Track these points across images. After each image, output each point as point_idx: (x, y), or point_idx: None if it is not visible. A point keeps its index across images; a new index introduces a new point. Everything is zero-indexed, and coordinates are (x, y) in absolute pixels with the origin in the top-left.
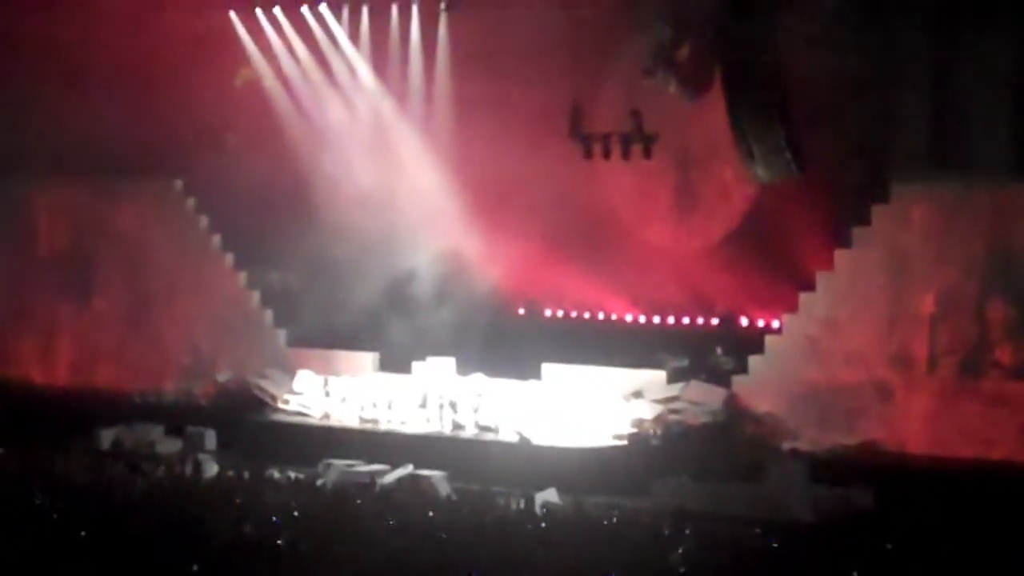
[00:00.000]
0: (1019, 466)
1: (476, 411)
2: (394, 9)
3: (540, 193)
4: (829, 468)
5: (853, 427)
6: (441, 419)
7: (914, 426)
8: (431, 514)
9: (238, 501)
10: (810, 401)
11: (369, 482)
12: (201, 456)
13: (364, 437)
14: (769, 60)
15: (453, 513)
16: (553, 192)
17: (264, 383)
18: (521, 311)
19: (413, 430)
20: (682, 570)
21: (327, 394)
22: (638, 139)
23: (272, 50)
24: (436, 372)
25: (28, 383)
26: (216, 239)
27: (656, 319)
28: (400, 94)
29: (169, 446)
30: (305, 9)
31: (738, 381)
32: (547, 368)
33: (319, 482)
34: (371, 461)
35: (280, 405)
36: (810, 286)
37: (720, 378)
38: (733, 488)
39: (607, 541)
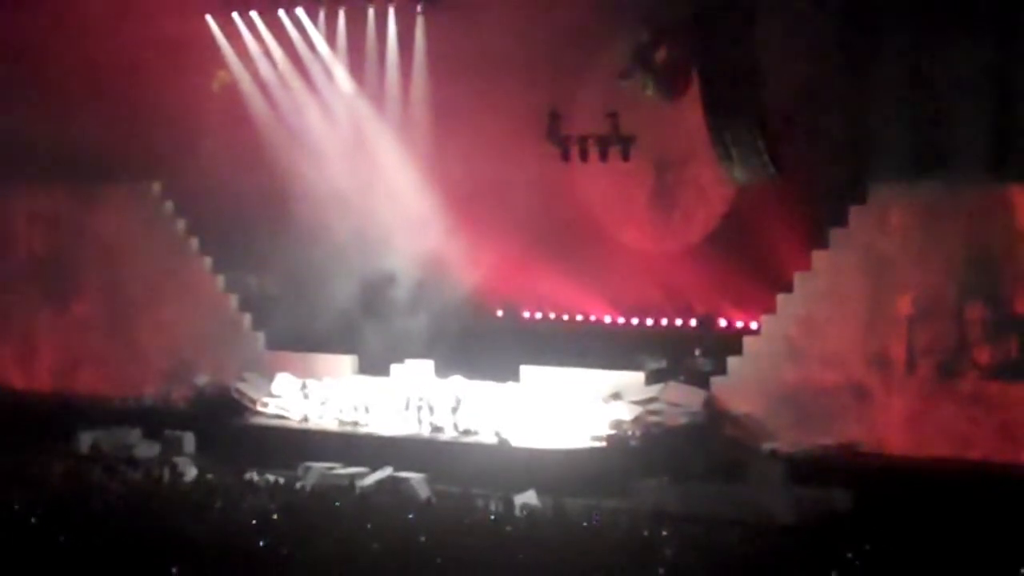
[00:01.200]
0: (997, 466)
1: (455, 413)
2: (371, 12)
3: (518, 195)
4: (808, 469)
5: (832, 428)
6: (420, 421)
7: (893, 427)
8: (411, 516)
9: (217, 504)
10: (789, 402)
11: (348, 485)
12: (180, 460)
13: (343, 440)
14: (746, 62)
15: (433, 515)
16: (531, 194)
17: (243, 386)
18: (499, 313)
19: (392, 433)
20: (661, 571)
21: (306, 397)
22: (616, 141)
23: (249, 54)
24: (414, 375)
25: (8, 387)
26: (194, 242)
27: (634, 321)
28: (377, 97)
29: (147, 450)
30: (282, 12)
31: (717, 382)
32: (526, 370)
33: (298, 485)
34: (350, 464)
35: (259, 408)
36: (788, 287)
37: (699, 379)
38: (712, 489)
39: (587, 542)
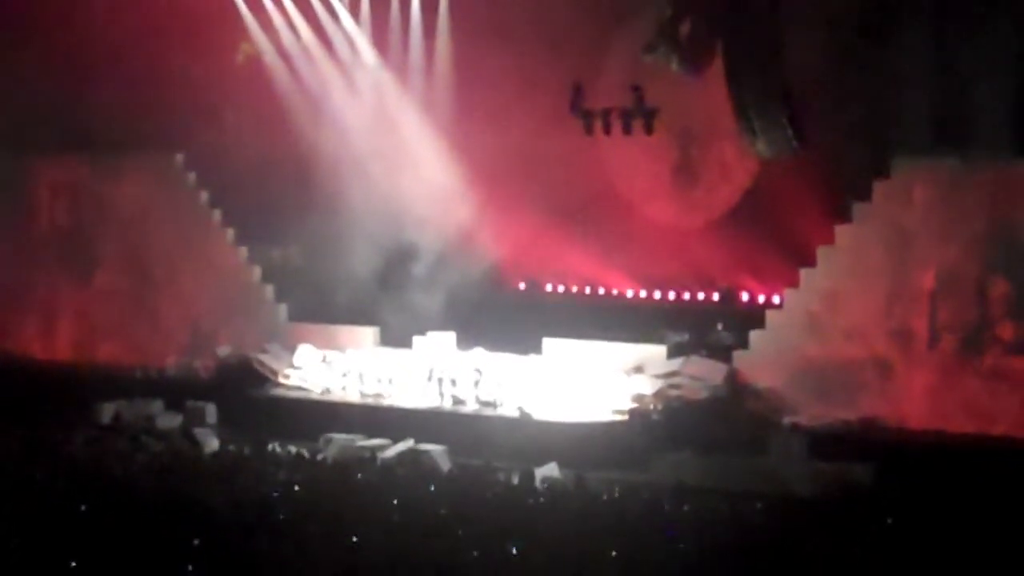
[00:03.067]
0: (1019, 441)
1: (477, 386)
2: None
3: (541, 168)
4: (829, 443)
5: (854, 402)
6: (441, 394)
7: (915, 401)
8: (432, 489)
9: (238, 476)
10: (811, 376)
11: (370, 457)
12: (201, 431)
13: (365, 412)
14: (771, 36)
15: (454, 488)
16: (554, 167)
17: (265, 358)
18: (522, 286)
19: (414, 405)
20: (682, 544)
21: (328, 369)
22: (639, 115)
23: (273, 25)
24: (437, 347)
25: (30, 358)
26: (217, 214)
27: (657, 294)
28: (400, 69)
29: (169, 421)
30: None
31: (739, 356)
32: (548, 343)
33: (320, 457)
34: (372, 436)
35: (281, 380)
36: (811, 261)
37: (721, 353)
38: (733, 463)
39: (607, 516)
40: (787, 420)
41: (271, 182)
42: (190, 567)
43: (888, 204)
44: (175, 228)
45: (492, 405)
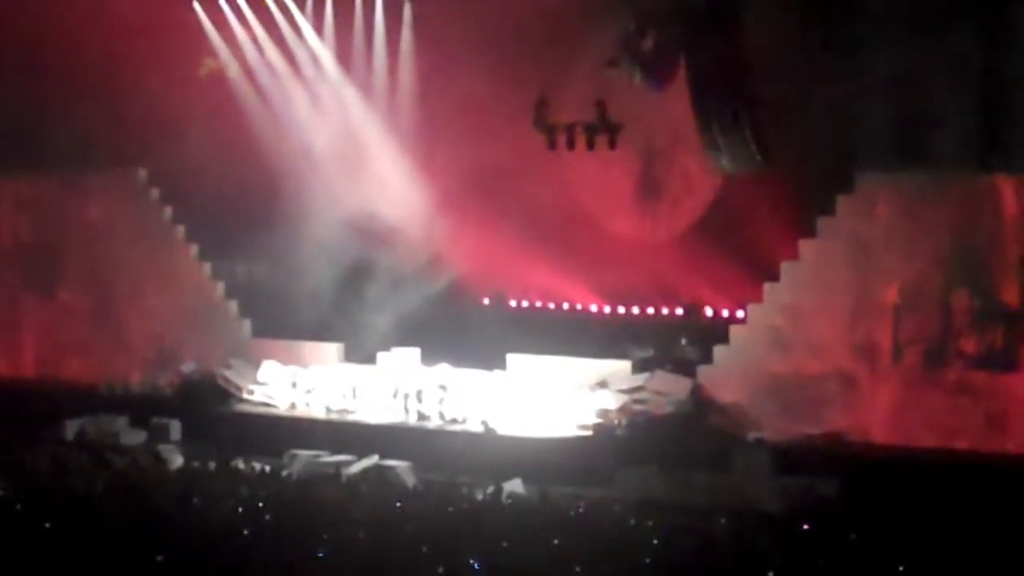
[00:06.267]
0: (983, 455)
1: (441, 401)
2: None
3: (505, 183)
4: (794, 458)
5: (818, 417)
6: (406, 409)
7: (879, 416)
8: (397, 504)
9: (203, 492)
10: (775, 391)
11: (335, 473)
12: (166, 447)
13: (329, 428)
14: (734, 50)
15: (419, 503)
16: (518, 182)
17: (229, 374)
18: (486, 301)
19: (379, 420)
20: (647, 560)
21: (292, 384)
22: (603, 129)
23: (236, 40)
24: (401, 362)
25: None
26: (180, 230)
27: (621, 309)
28: (364, 84)
29: (133, 437)
30: None
31: (703, 371)
32: (512, 358)
33: (284, 473)
34: (337, 452)
35: (245, 396)
36: (775, 276)
37: (685, 368)
38: (698, 478)
39: (572, 531)
40: (752, 435)
41: (235, 198)
42: None
43: (852, 219)
44: (139, 244)
45: (457, 421)
